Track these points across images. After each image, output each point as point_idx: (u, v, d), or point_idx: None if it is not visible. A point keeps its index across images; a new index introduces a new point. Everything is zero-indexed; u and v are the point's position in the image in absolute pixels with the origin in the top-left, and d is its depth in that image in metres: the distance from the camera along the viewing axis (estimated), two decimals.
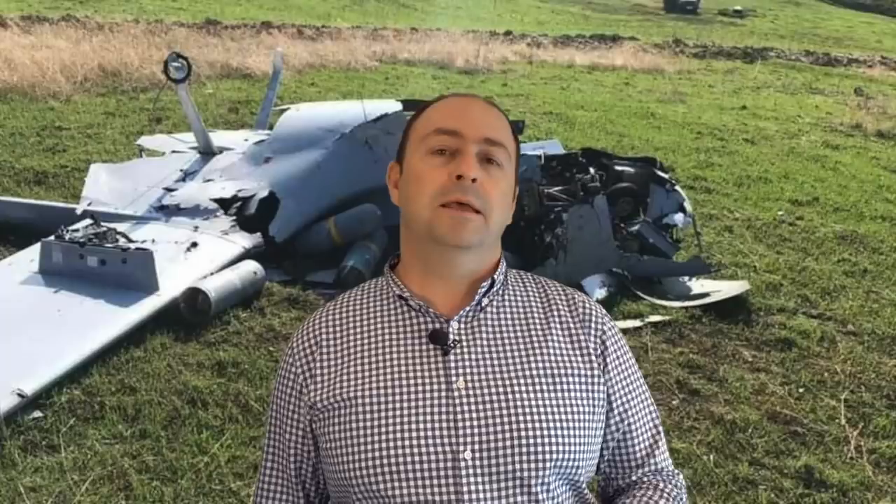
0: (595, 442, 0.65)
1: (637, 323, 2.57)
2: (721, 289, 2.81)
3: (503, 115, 0.68)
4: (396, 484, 0.59)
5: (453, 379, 0.61)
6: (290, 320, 2.44)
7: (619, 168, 3.16)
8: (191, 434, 1.82)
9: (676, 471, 0.72)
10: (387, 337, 0.64)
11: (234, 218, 2.89)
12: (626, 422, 0.68)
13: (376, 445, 0.60)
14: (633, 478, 0.70)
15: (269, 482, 0.69)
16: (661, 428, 0.72)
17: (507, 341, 0.64)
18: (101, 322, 2.16)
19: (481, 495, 0.59)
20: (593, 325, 0.68)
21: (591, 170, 3.04)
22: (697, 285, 2.90)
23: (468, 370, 0.62)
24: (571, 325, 0.67)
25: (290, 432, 0.67)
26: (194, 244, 2.66)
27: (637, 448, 0.69)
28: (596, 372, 0.65)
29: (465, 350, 0.63)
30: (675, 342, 2.48)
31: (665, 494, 0.67)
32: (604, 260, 2.77)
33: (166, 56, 3.31)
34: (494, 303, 0.66)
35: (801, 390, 2.22)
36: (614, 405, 0.67)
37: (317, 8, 14.82)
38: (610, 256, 2.77)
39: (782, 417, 2.07)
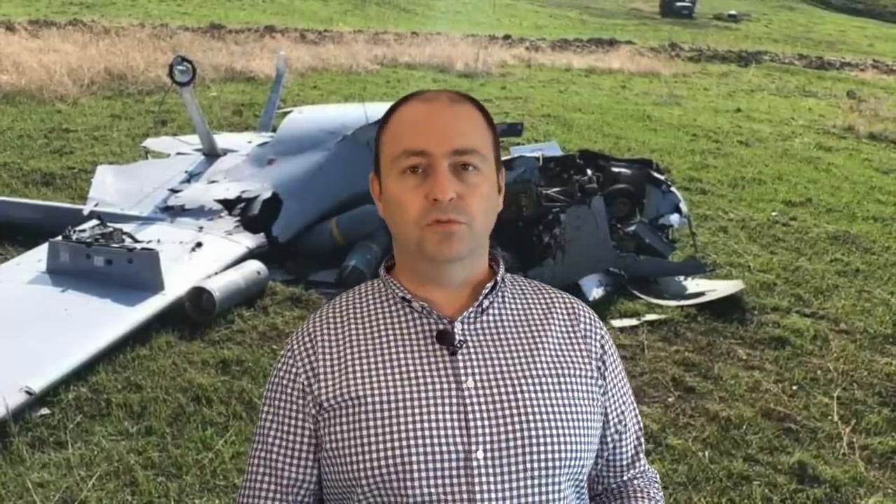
0: (595, 442, 0.66)
1: (633, 322, 2.61)
2: (716, 288, 2.85)
3: (474, 107, 0.64)
4: (409, 483, 0.59)
5: (462, 379, 0.62)
6: (292, 319, 2.48)
7: (615, 170, 3.20)
8: (195, 431, 1.85)
9: (652, 469, 0.76)
10: (391, 337, 0.64)
11: (238, 219, 2.93)
12: (620, 426, 0.70)
13: (388, 444, 0.60)
14: (625, 478, 0.72)
15: (259, 485, 0.66)
16: (642, 430, 0.74)
17: (510, 342, 0.65)
18: (107, 321, 2.19)
19: (494, 494, 0.59)
20: (594, 334, 0.69)
21: (589, 171, 3.08)
22: (693, 285, 2.93)
23: (477, 370, 0.62)
24: (570, 330, 0.67)
25: (292, 432, 0.64)
26: (199, 244, 2.70)
27: (626, 451, 0.72)
28: (595, 375, 0.67)
29: (472, 350, 0.63)
30: (670, 340, 2.51)
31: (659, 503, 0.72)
32: (601, 260, 2.81)
33: (171, 59, 3.35)
34: (495, 304, 0.66)
35: (794, 388, 2.25)
36: (610, 412, 0.69)
37: (319, 12, 14.91)
38: (607, 256, 2.81)
39: (776, 414, 2.10)
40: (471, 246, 0.63)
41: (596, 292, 2.75)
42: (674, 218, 3.06)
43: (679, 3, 21.19)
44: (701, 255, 3.22)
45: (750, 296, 2.88)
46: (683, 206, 3.13)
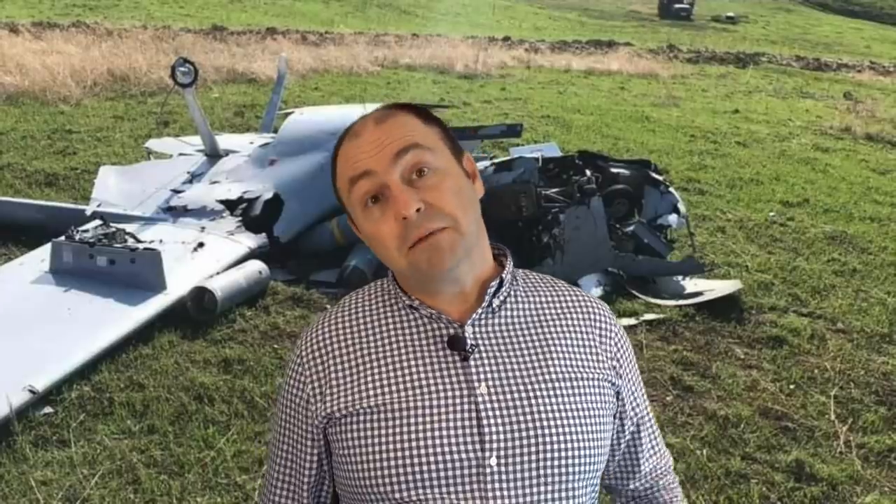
0: (608, 444, 0.66)
1: (632, 321, 2.62)
2: (714, 288, 2.86)
3: (405, 114, 0.62)
4: (421, 492, 0.58)
5: (475, 385, 0.61)
6: (294, 318, 2.49)
7: (614, 170, 3.21)
8: (197, 429, 1.86)
9: (668, 458, 0.76)
10: (401, 343, 0.63)
11: (240, 219, 2.94)
12: (638, 424, 0.70)
13: (400, 454, 0.59)
14: (644, 471, 0.72)
15: (272, 487, 0.68)
16: (655, 423, 0.74)
17: (522, 344, 0.63)
18: (110, 320, 2.21)
19: (507, 501, 0.58)
20: (610, 332, 0.67)
21: (588, 172, 3.09)
22: (691, 284, 2.95)
23: (489, 375, 0.61)
24: (585, 329, 0.66)
25: (297, 440, 0.66)
26: (201, 244, 2.72)
27: (645, 448, 0.71)
28: (607, 375, 0.65)
29: (484, 355, 0.62)
30: (669, 340, 2.53)
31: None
32: (600, 260, 2.83)
33: (174, 61, 3.36)
34: (507, 303, 0.64)
35: (791, 387, 2.27)
36: (627, 412, 0.68)
37: (320, 14, 14.97)
38: (606, 256, 2.83)
39: (774, 413, 2.11)
40: (465, 247, 0.60)
41: (595, 292, 2.77)
42: (672, 218, 3.08)
43: (677, 5, 21.30)
44: (699, 255, 3.24)
45: (748, 295, 2.90)
46: (682, 207, 3.14)
